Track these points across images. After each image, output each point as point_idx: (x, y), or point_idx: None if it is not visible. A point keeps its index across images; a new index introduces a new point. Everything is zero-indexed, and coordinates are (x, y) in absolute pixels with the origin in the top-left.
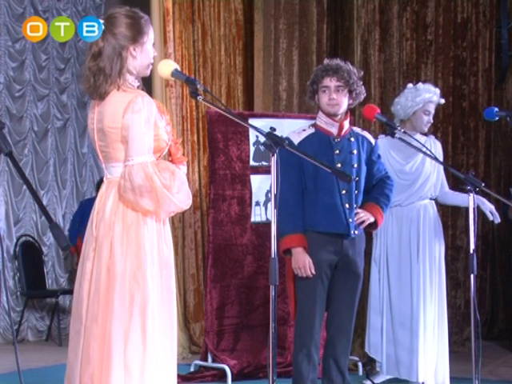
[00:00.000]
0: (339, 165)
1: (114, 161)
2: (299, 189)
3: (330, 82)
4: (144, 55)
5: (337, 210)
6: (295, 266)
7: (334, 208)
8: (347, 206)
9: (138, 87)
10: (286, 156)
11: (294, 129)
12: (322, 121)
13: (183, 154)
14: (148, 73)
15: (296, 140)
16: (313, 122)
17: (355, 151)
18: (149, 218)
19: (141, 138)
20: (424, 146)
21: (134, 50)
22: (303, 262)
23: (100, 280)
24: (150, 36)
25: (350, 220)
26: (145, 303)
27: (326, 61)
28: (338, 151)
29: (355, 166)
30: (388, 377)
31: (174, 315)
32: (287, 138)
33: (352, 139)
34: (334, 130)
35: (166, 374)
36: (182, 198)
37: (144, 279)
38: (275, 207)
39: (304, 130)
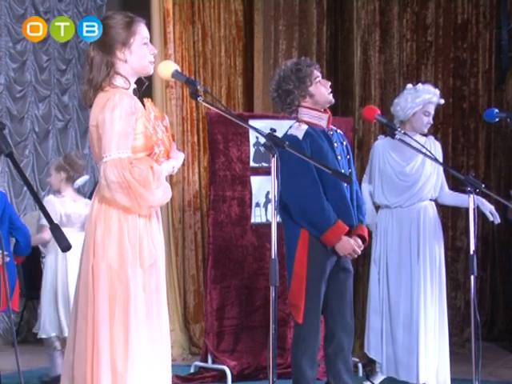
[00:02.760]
0: (339, 157)
1: (100, 159)
2: (318, 181)
3: (318, 72)
4: (135, 56)
5: (346, 203)
6: (346, 253)
7: (344, 200)
8: (349, 197)
9: (129, 87)
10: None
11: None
12: (311, 115)
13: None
14: (150, 71)
15: (300, 135)
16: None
17: (344, 142)
18: (131, 215)
19: (114, 134)
20: (424, 146)
21: (122, 53)
22: (352, 247)
23: (87, 280)
24: (140, 35)
25: (353, 211)
26: (127, 302)
27: (291, 61)
28: (336, 143)
29: (348, 156)
30: (385, 376)
31: (163, 315)
32: (291, 135)
33: (338, 131)
34: (324, 123)
35: (152, 373)
36: (160, 193)
37: (126, 278)
38: (275, 208)
39: (299, 126)
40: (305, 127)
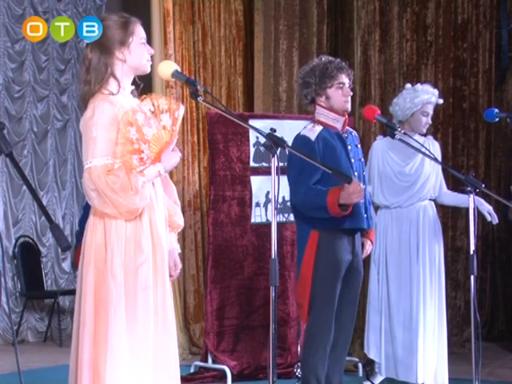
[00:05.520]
0: (353, 159)
1: None
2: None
3: (346, 79)
4: (133, 55)
5: (358, 205)
6: (355, 198)
7: (357, 203)
8: (362, 200)
9: (118, 92)
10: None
11: (294, 130)
12: (328, 117)
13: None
14: (148, 69)
15: (312, 136)
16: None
17: (359, 145)
18: (115, 220)
19: (90, 142)
20: (423, 146)
21: (121, 53)
22: (354, 190)
23: (79, 282)
24: (138, 35)
25: (365, 215)
26: (109, 303)
27: (326, 58)
28: (349, 146)
29: (362, 159)
30: (384, 377)
31: (151, 315)
32: (304, 136)
33: (353, 133)
34: (339, 126)
35: (135, 372)
36: (137, 199)
37: (108, 281)
38: (275, 208)
39: (313, 127)
40: (318, 129)
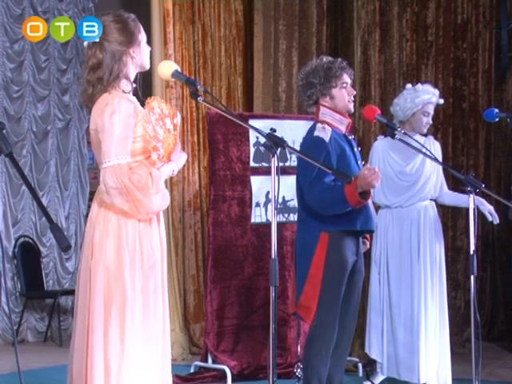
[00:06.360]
0: (359, 161)
1: (100, 163)
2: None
3: (348, 78)
4: (142, 52)
5: (367, 208)
6: (371, 182)
7: (366, 205)
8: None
9: (130, 91)
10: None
11: (293, 130)
12: (334, 118)
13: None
14: (148, 65)
15: (326, 138)
16: (312, 122)
17: (359, 147)
18: (131, 219)
19: (112, 140)
20: (424, 146)
21: (134, 51)
22: (370, 175)
23: (85, 281)
24: (143, 33)
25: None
26: (123, 304)
27: (327, 58)
28: (355, 148)
29: (363, 162)
30: (384, 376)
31: (160, 317)
32: (318, 137)
33: (352, 136)
34: (343, 128)
35: (147, 375)
36: (158, 199)
37: (123, 281)
38: (275, 208)
39: (324, 128)
40: (329, 129)
